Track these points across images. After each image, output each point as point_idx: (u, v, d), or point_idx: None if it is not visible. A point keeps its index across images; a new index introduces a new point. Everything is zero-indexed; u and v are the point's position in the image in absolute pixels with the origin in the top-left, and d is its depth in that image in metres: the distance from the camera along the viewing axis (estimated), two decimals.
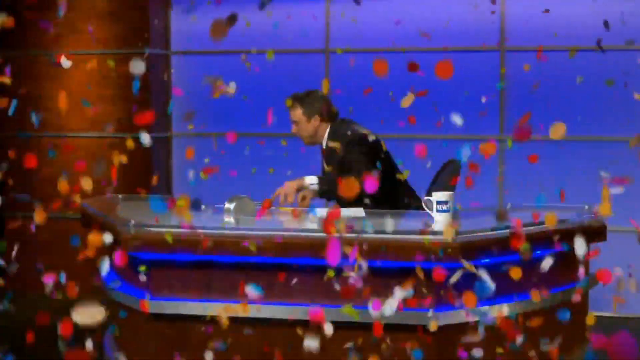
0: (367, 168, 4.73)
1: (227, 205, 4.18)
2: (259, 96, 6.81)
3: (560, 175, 6.43)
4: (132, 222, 3.75)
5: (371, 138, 4.97)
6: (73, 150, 7.09)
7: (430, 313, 3.51)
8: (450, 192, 3.75)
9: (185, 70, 7.21)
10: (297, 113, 5.12)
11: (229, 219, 4.09)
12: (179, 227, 3.75)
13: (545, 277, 3.72)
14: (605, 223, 4.07)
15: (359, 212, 4.23)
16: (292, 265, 3.62)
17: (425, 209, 3.78)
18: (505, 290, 3.62)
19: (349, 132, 5.00)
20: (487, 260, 3.55)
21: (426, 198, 3.77)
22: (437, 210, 3.71)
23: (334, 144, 4.87)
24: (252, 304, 3.60)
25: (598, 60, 6.21)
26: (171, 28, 7.21)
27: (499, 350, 3.56)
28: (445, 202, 3.70)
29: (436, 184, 5.24)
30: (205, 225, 3.81)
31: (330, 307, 3.53)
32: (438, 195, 3.71)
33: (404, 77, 6.24)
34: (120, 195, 4.98)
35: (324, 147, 5.14)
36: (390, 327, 3.47)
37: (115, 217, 4.05)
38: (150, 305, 3.74)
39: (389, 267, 3.55)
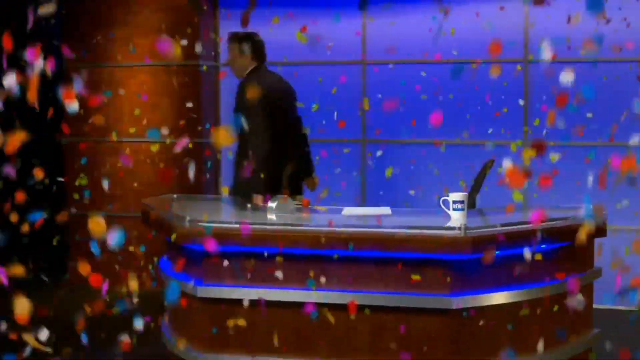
0: (261, 127, 5.37)
1: (269, 203, 4.70)
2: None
3: (581, 177, 6.82)
4: (188, 218, 4.28)
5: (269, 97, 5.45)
6: (130, 154, 7.63)
7: (450, 298, 3.98)
8: (465, 193, 4.22)
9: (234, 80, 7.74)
10: (233, 47, 5.77)
11: (271, 216, 4.60)
12: (227, 222, 4.28)
13: (550, 267, 4.21)
14: (605, 221, 4.50)
15: (385, 210, 4.73)
16: (324, 256, 4.12)
17: (443, 207, 4.27)
18: (514, 279, 4.11)
19: (259, 82, 5.56)
20: (497, 251, 4.02)
21: (443, 198, 4.26)
22: (453, 209, 4.20)
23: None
24: (289, 289, 4.14)
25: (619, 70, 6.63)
26: (220, 42, 7.73)
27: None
28: (461, 202, 4.18)
29: (474, 187, 5.67)
30: (250, 221, 4.34)
31: (355, 292, 4.05)
32: (454, 196, 4.20)
33: (433, 85, 6.79)
34: (174, 195, 5.52)
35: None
36: (413, 311, 3.99)
37: (172, 214, 4.57)
38: (201, 291, 4.27)
39: (412, 257, 4.03)
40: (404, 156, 7.25)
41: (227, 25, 7.67)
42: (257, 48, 5.77)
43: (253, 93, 5.31)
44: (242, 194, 5.29)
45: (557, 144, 6.84)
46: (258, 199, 5.01)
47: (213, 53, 7.76)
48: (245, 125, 5.22)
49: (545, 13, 6.84)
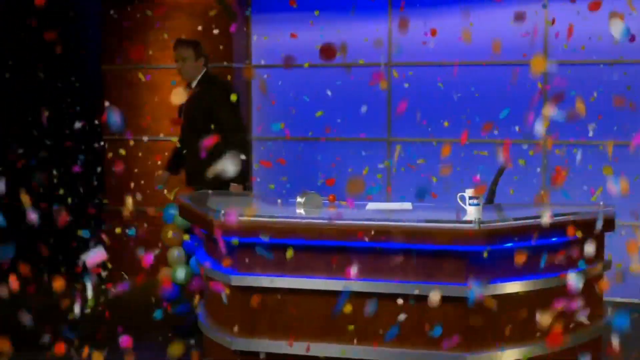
0: (242, 124, 6.19)
1: (298, 199, 5.02)
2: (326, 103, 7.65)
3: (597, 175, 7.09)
4: (222, 212, 4.61)
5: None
6: (167, 151, 7.98)
7: (465, 287, 4.28)
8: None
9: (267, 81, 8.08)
10: (190, 52, 6.17)
11: (300, 210, 4.92)
12: (260, 215, 4.61)
13: (568, 258, 4.50)
14: (613, 216, 4.78)
15: (407, 205, 5.04)
16: (349, 248, 4.44)
17: (460, 202, 4.57)
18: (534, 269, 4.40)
19: (223, 81, 6.37)
20: (508, 244, 4.33)
21: (460, 194, 4.56)
22: (470, 204, 4.50)
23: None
24: (317, 279, 4.46)
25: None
26: (251, 45, 8.07)
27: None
28: (476, 197, 4.48)
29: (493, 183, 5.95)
30: (280, 215, 4.66)
31: (378, 281, 4.36)
32: (470, 192, 4.50)
33: (455, 87, 7.08)
34: (209, 191, 5.86)
35: (193, 86, 6.21)
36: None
37: (208, 208, 4.91)
38: (234, 280, 4.61)
39: (430, 249, 4.34)
40: (427, 154, 7.54)
41: (259, 29, 8.00)
42: (207, 55, 6.34)
43: (233, 95, 5.83)
44: (212, 186, 5.81)
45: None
46: (238, 188, 6.02)
47: (246, 55, 8.09)
48: (226, 123, 6.00)
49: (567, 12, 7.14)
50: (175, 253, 6.37)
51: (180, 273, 6.32)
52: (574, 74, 7.23)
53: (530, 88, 7.29)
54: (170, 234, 6.31)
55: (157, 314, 5.19)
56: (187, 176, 6.38)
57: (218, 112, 6.05)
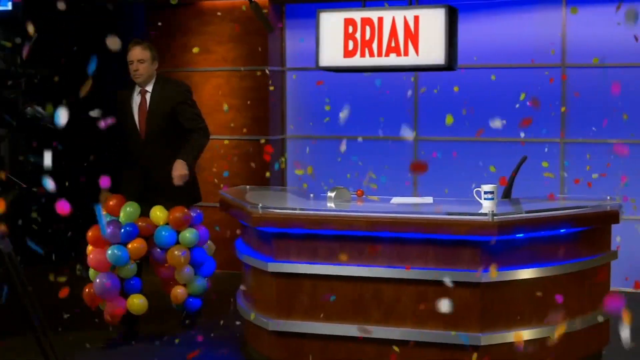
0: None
1: (329, 193, 5.49)
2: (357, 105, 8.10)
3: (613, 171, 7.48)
4: (260, 205, 5.09)
5: None
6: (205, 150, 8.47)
7: (480, 273, 4.73)
8: (495, 185, 4.98)
9: (299, 83, 8.53)
10: (148, 54, 5.97)
11: (330, 204, 5.39)
12: (294, 209, 5.09)
13: (574, 248, 4.94)
14: (619, 210, 5.19)
15: (428, 199, 5.50)
16: (376, 237, 4.90)
17: (476, 197, 5.03)
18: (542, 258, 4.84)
19: (177, 80, 6.27)
20: (520, 234, 4.78)
21: (476, 189, 5.02)
22: (485, 198, 4.95)
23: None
24: (346, 265, 4.92)
25: None
26: (286, 48, 8.54)
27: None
28: (491, 192, 4.93)
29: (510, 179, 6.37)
30: (313, 208, 5.14)
31: (400, 268, 4.82)
32: (485, 187, 4.96)
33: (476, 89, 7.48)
34: (248, 187, 6.34)
35: (150, 89, 5.99)
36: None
37: (247, 202, 5.39)
38: (271, 267, 5.09)
39: (448, 239, 4.80)
40: (450, 151, 7.97)
41: (293, 34, 8.46)
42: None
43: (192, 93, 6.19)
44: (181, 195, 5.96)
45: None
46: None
47: (280, 58, 8.55)
48: (196, 117, 6.04)
49: (582, 20, 7.54)
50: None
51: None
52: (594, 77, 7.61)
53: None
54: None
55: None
56: (149, 186, 6.04)
57: (183, 110, 6.00)
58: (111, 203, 5.81)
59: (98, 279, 5.66)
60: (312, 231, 4.98)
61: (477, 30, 7.79)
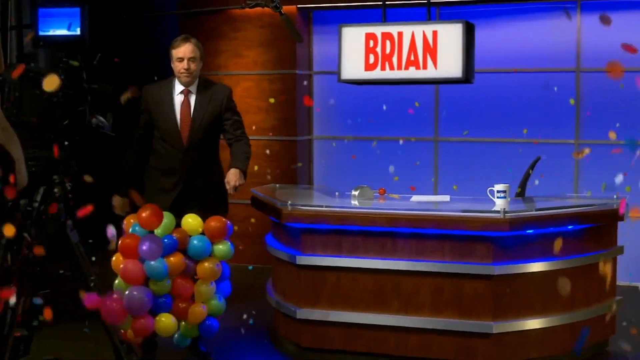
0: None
1: (353, 192, 5.88)
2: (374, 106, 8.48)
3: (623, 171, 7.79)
4: (289, 202, 5.48)
5: None
6: None
7: (492, 266, 5.10)
8: (507, 184, 5.35)
9: (324, 86, 8.92)
10: (198, 52, 5.41)
11: (354, 202, 5.78)
12: (321, 206, 5.48)
13: (581, 244, 5.30)
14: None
15: (445, 197, 5.88)
16: (396, 233, 5.28)
17: (489, 196, 5.40)
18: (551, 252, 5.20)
19: (227, 87, 5.61)
20: (530, 230, 5.14)
21: (490, 188, 5.39)
22: (497, 197, 5.33)
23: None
24: (368, 259, 5.30)
25: None
26: (313, 53, 8.93)
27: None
28: (503, 191, 5.31)
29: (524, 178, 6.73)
30: (338, 205, 5.53)
31: (419, 261, 5.20)
32: (498, 187, 5.33)
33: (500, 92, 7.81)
34: (277, 185, 6.75)
35: (194, 91, 5.41)
36: (464, 276, 5.11)
37: (277, 199, 5.79)
38: (299, 260, 5.48)
39: (463, 234, 5.17)
40: (466, 152, 8.35)
41: (320, 40, 8.85)
42: None
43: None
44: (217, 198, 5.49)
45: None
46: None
47: (308, 62, 8.94)
48: (239, 121, 5.52)
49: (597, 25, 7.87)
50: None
51: None
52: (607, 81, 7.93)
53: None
54: None
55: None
56: (184, 196, 5.44)
57: (230, 116, 5.50)
58: (144, 214, 4.97)
59: (131, 292, 4.91)
60: (337, 227, 5.37)
61: (495, 36, 8.13)
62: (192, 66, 5.37)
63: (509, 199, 5.37)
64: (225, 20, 8.86)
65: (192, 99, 5.43)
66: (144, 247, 4.87)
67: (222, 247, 5.24)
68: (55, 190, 3.12)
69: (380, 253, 5.30)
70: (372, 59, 6.01)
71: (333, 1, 8.51)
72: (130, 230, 5.10)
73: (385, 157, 8.37)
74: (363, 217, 5.30)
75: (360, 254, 5.34)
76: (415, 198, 5.91)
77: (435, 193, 8.33)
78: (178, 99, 5.44)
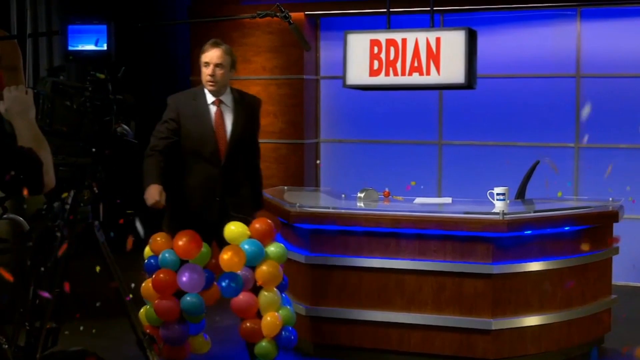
0: None
1: (358, 194, 6.10)
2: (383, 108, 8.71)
3: (623, 174, 8.03)
4: (297, 204, 5.71)
5: None
6: None
7: (492, 265, 5.33)
8: (506, 187, 5.58)
9: (331, 90, 9.15)
10: (228, 59, 5.08)
11: (360, 204, 6.00)
12: (328, 208, 5.71)
13: (577, 244, 5.52)
14: (619, 210, 5.76)
15: (447, 200, 6.11)
16: (400, 233, 5.51)
17: (489, 198, 5.63)
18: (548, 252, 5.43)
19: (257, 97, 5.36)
20: (528, 231, 5.37)
21: (490, 191, 5.62)
22: (497, 199, 5.56)
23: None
24: (373, 258, 5.53)
25: None
26: (320, 58, 9.17)
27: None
28: (503, 194, 5.54)
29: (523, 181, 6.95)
30: (344, 207, 5.76)
31: (422, 260, 5.43)
32: (498, 189, 5.56)
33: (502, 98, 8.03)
34: (285, 187, 6.98)
35: (227, 101, 5.10)
36: (465, 275, 5.34)
37: (285, 201, 6.01)
38: (307, 259, 5.71)
39: (464, 235, 5.39)
40: (469, 156, 8.59)
41: (327, 45, 9.08)
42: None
43: None
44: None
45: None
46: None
47: (315, 67, 9.18)
48: (256, 141, 5.27)
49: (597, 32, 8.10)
50: None
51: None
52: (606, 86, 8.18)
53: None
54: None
55: None
56: (221, 215, 5.08)
57: (257, 125, 5.29)
58: (182, 242, 4.70)
59: (169, 328, 4.85)
60: (343, 227, 5.60)
61: (498, 43, 8.35)
62: (218, 73, 5.00)
63: (508, 201, 5.60)
64: (235, 27, 9.10)
65: (225, 109, 5.10)
66: (184, 279, 4.62)
67: (276, 249, 5.03)
68: (84, 193, 3.39)
69: (385, 253, 5.53)
70: (376, 64, 6.17)
71: (340, 8, 8.74)
72: (160, 257, 4.78)
73: (390, 159, 8.60)
74: (368, 218, 5.52)
75: (366, 253, 5.56)
76: (419, 200, 6.14)
77: (439, 195, 8.55)
78: (212, 109, 5.08)
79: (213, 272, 4.88)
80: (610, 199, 5.97)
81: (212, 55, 5.02)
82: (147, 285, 4.90)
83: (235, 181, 5.10)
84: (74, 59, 3.51)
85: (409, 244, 5.49)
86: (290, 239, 6.04)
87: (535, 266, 5.39)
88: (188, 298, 4.74)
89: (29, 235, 3.32)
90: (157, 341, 3.65)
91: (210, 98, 5.08)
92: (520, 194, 6.57)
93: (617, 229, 6.00)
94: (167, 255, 4.76)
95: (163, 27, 9.55)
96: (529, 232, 5.39)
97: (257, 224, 5.01)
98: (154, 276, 4.76)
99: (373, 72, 6.14)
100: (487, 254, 5.33)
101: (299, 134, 9.00)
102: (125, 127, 3.46)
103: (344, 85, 6.33)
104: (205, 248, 4.82)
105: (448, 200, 6.17)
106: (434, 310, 5.43)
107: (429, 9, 6.47)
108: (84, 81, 3.35)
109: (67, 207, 3.35)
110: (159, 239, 4.90)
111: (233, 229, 4.90)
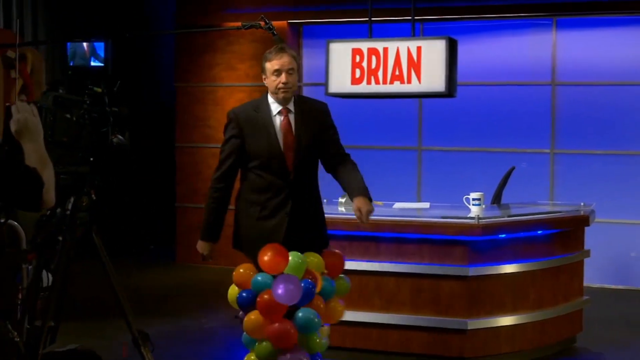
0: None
1: (340, 199, 6.26)
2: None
3: (596, 179, 8.29)
4: None
5: None
6: None
7: (467, 268, 5.54)
8: (481, 192, 5.80)
9: (314, 97, 9.33)
10: (295, 64, 4.75)
11: (341, 208, 6.19)
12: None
13: (549, 247, 5.75)
14: (589, 215, 6.00)
15: (425, 204, 6.33)
16: (379, 237, 5.71)
17: (465, 203, 5.86)
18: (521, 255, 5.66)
19: (324, 102, 4.94)
20: (502, 235, 5.59)
21: (466, 196, 5.85)
22: (473, 204, 5.78)
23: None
24: (353, 261, 5.72)
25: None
26: (303, 65, 9.36)
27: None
28: (478, 199, 5.76)
29: (499, 187, 7.19)
30: (325, 212, 5.94)
31: (400, 263, 5.63)
32: (473, 195, 5.78)
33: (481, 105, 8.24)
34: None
35: (292, 109, 4.70)
36: (442, 277, 5.55)
37: None
38: None
39: (441, 238, 5.61)
40: (448, 161, 8.83)
41: (309, 53, 9.30)
42: None
43: None
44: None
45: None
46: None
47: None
48: (338, 142, 4.84)
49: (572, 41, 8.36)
50: None
51: None
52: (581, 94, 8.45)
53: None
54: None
55: None
56: (291, 233, 4.61)
57: (332, 136, 4.82)
58: (266, 258, 4.34)
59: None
60: (340, 232, 5.72)
61: (476, 51, 8.59)
62: (291, 79, 4.64)
63: (483, 206, 5.82)
64: (220, 35, 9.29)
65: (292, 118, 4.69)
66: (280, 291, 4.25)
67: (343, 283, 4.76)
68: (83, 199, 3.60)
69: (365, 255, 5.72)
70: (358, 73, 6.35)
71: (322, 17, 8.95)
72: (253, 282, 4.41)
73: (370, 165, 8.80)
74: (349, 223, 5.67)
75: (346, 256, 5.73)
76: (398, 205, 6.34)
77: (419, 200, 8.78)
78: (277, 120, 4.66)
79: (313, 281, 4.43)
80: (582, 203, 6.20)
81: (282, 62, 4.63)
82: (249, 320, 4.42)
83: (304, 196, 4.69)
84: (73, 73, 3.71)
85: (388, 247, 5.68)
86: None
87: (509, 268, 5.61)
88: (300, 314, 4.34)
89: (33, 239, 3.53)
90: (151, 339, 3.83)
91: (276, 108, 4.67)
92: (497, 199, 6.81)
93: (590, 232, 6.26)
94: (259, 278, 4.39)
95: (150, 37, 9.74)
96: (503, 235, 5.60)
97: (331, 258, 4.67)
98: (258, 300, 4.34)
99: (355, 81, 6.31)
100: (463, 257, 5.54)
101: None
102: (121, 137, 3.66)
103: (327, 93, 6.51)
104: (296, 257, 4.40)
105: (426, 205, 6.39)
106: (412, 310, 5.62)
107: (410, 18, 6.70)
108: (82, 94, 3.56)
109: (68, 212, 3.57)
110: (241, 270, 4.54)
111: (312, 260, 4.49)
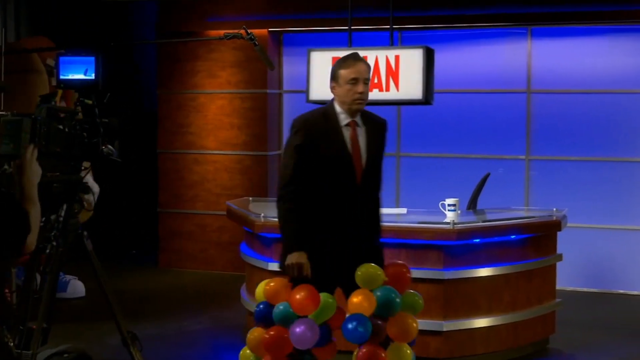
0: None
1: None
2: None
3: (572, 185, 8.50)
4: (262, 214, 6.06)
5: None
6: (210, 163, 9.46)
7: (443, 271, 5.72)
8: (457, 199, 5.98)
9: (294, 103, 9.51)
10: (370, 75, 4.61)
11: None
12: None
13: (522, 251, 5.93)
14: (561, 220, 6.19)
15: (402, 210, 6.51)
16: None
17: (441, 209, 6.03)
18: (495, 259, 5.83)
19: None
20: (477, 240, 5.78)
21: (442, 202, 6.02)
22: (448, 210, 5.96)
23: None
24: None
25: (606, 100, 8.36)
26: (283, 73, 9.53)
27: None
28: (453, 205, 5.94)
29: (474, 193, 7.36)
30: None
31: None
32: (449, 201, 5.96)
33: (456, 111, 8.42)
34: (250, 198, 7.33)
35: (359, 123, 4.48)
36: (418, 280, 5.70)
37: (250, 211, 6.36)
38: (272, 266, 6.04)
39: (417, 243, 5.78)
40: (426, 167, 9.02)
41: (289, 60, 9.45)
42: None
43: None
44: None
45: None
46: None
47: (278, 82, 9.54)
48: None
49: (546, 50, 8.56)
50: None
51: None
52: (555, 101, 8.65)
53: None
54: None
55: None
56: (355, 251, 4.45)
57: (384, 149, 4.65)
58: (299, 297, 4.14)
59: None
60: None
61: (453, 59, 8.77)
62: (366, 90, 4.39)
63: (459, 212, 6.00)
64: (201, 43, 9.41)
65: (360, 131, 4.46)
66: (298, 330, 4.11)
67: (413, 297, 4.54)
68: (74, 207, 3.77)
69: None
70: None
71: (302, 25, 9.10)
72: (275, 311, 4.24)
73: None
74: None
75: None
76: None
77: (397, 205, 8.94)
78: (345, 131, 4.42)
79: (330, 326, 4.30)
80: (554, 209, 6.39)
81: (360, 70, 4.37)
82: (253, 336, 4.37)
83: (369, 211, 4.51)
84: (64, 86, 3.88)
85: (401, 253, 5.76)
86: (255, 247, 6.38)
87: (483, 272, 5.79)
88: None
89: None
90: (139, 339, 3.99)
91: (345, 119, 4.43)
92: (472, 204, 6.99)
93: (564, 237, 6.44)
94: (281, 308, 4.23)
95: (132, 47, 9.86)
96: (477, 240, 5.79)
97: (392, 268, 4.56)
98: (266, 335, 4.24)
99: None
100: (438, 261, 5.71)
101: (263, 146, 9.34)
102: (110, 147, 3.83)
103: (307, 100, 6.65)
104: (326, 302, 4.21)
105: (403, 210, 6.56)
106: None
107: (388, 27, 6.87)
108: (74, 106, 3.73)
109: (61, 219, 3.74)
110: (272, 284, 4.39)
111: (367, 270, 4.30)
